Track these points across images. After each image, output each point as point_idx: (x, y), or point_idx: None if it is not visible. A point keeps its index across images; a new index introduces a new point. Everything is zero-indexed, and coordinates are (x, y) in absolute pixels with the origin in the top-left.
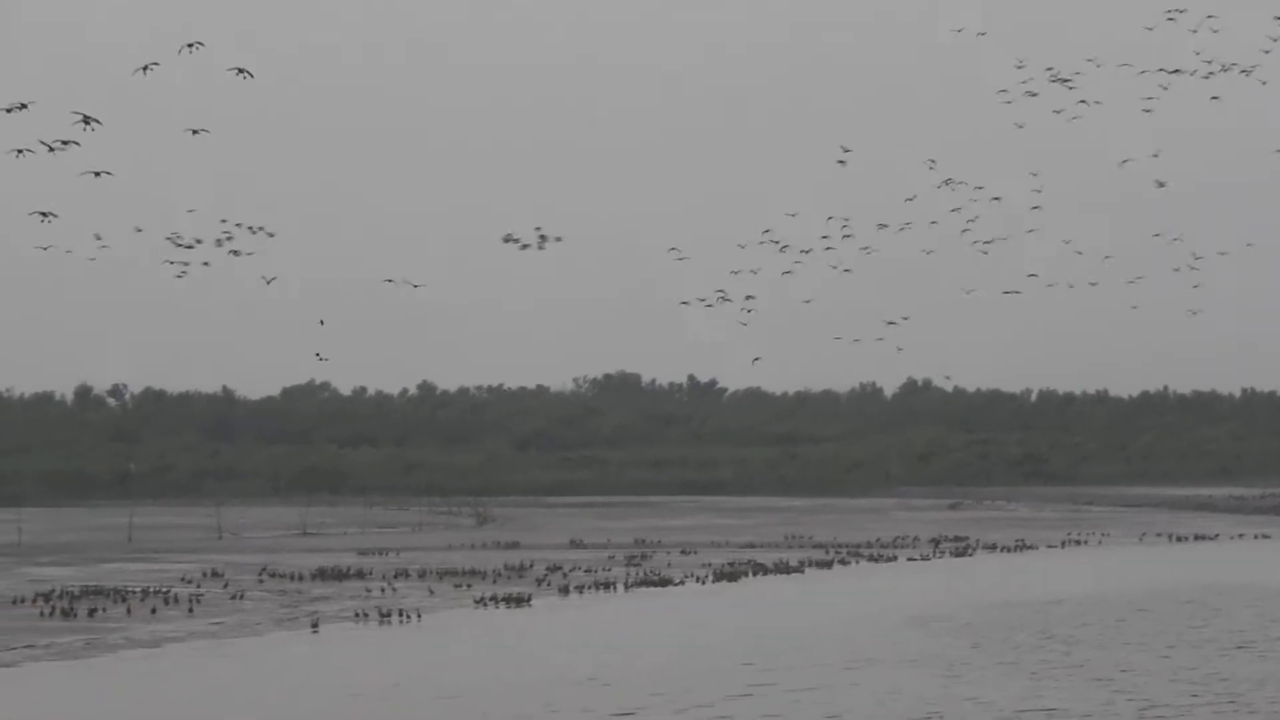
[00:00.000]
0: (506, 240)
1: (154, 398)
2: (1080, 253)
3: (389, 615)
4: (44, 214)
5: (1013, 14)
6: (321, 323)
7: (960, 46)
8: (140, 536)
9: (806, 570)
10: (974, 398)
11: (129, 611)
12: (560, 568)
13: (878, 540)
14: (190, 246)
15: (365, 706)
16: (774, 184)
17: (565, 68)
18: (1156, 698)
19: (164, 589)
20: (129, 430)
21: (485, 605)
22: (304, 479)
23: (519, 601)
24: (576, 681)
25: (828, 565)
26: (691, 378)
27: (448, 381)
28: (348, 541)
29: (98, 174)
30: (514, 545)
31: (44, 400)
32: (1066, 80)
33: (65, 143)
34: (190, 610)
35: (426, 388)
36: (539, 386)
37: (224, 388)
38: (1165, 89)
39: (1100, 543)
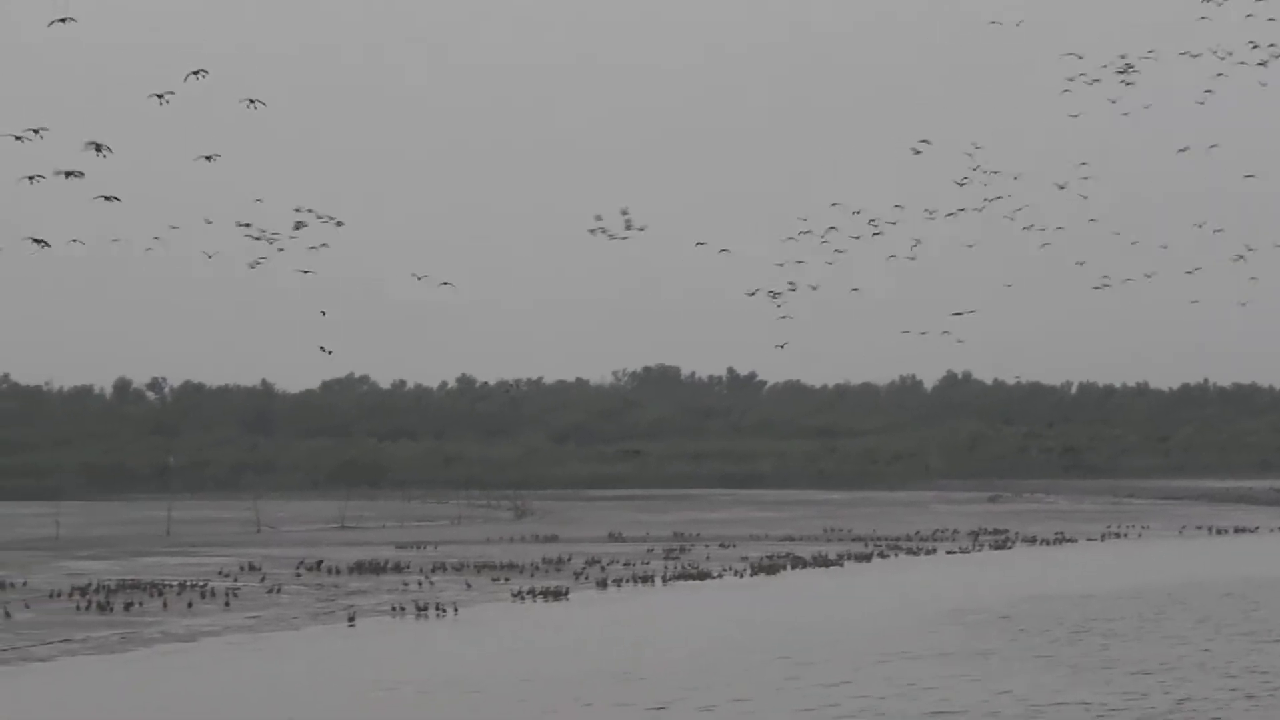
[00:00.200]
0: (593, 231)
1: (193, 391)
2: (1135, 243)
3: (426, 609)
4: (37, 240)
5: (1048, 7)
6: (323, 313)
7: (992, 36)
8: (178, 530)
9: (845, 563)
10: (1014, 390)
11: (165, 605)
12: (599, 561)
13: (917, 533)
14: (262, 238)
15: (397, 700)
16: (790, 180)
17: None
18: (1193, 691)
19: (201, 583)
20: (168, 424)
21: (522, 599)
22: (343, 472)
23: (556, 595)
24: (611, 675)
25: (867, 558)
26: (731, 370)
27: (487, 374)
28: (386, 535)
29: (108, 198)
30: (552, 538)
31: (83, 394)
32: (1126, 71)
33: (73, 173)
34: (227, 604)
35: (466, 381)
36: (578, 379)
37: (263, 381)
38: (1222, 75)
39: (1140, 535)
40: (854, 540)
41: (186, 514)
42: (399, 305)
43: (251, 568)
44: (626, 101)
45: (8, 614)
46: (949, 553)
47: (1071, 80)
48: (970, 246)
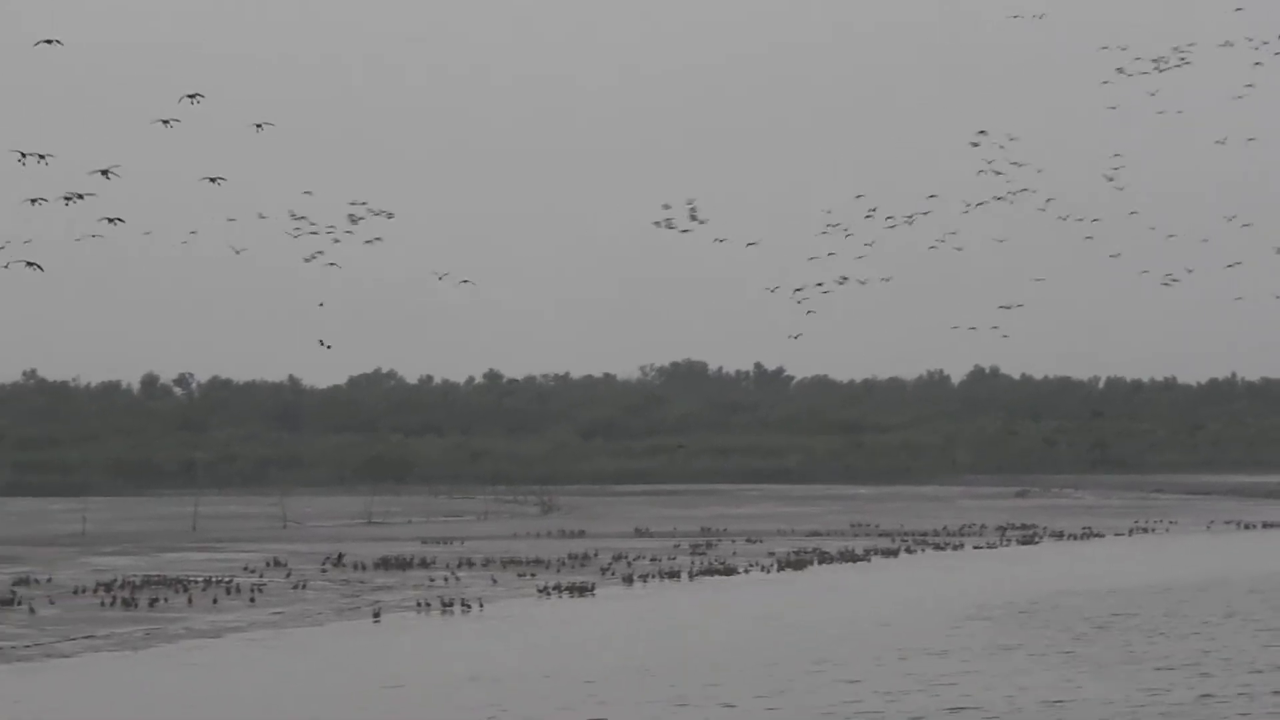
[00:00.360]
0: (659, 223)
1: (220, 387)
2: (1173, 235)
3: (451, 605)
4: (31, 263)
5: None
6: (320, 304)
7: (1016, 31)
8: (205, 526)
9: (872, 558)
10: (1041, 385)
11: (190, 601)
12: (625, 557)
13: (944, 528)
14: (319, 232)
15: (415, 698)
16: (817, 174)
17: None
18: (1217, 687)
19: (226, 579)
20: (195, 419)
21: (548, 595)
22: (370, 468)
23: (582, 591)
24: (633, 672)
25: (893, 553)
26: (758, 365)
27: (514, 370)
28: (412, 530)
29: (112, 220)
30: (579, 534)
31: (111, 389)
32: (1162, 63)
33: (79, 196)
34: (252, 600)
35: (493, 376)
36: (606, 375)
37: (290, 377)
38: (1260, 65)
39: (1168, 530)
40: (881, 535)
41: (213, 509)
42: (426, 302)
43: (277, 563)
44: (649, 100)
45: (32, 610)
46: (976, 548)
47: (1115, 73)
48: (1001, 241)
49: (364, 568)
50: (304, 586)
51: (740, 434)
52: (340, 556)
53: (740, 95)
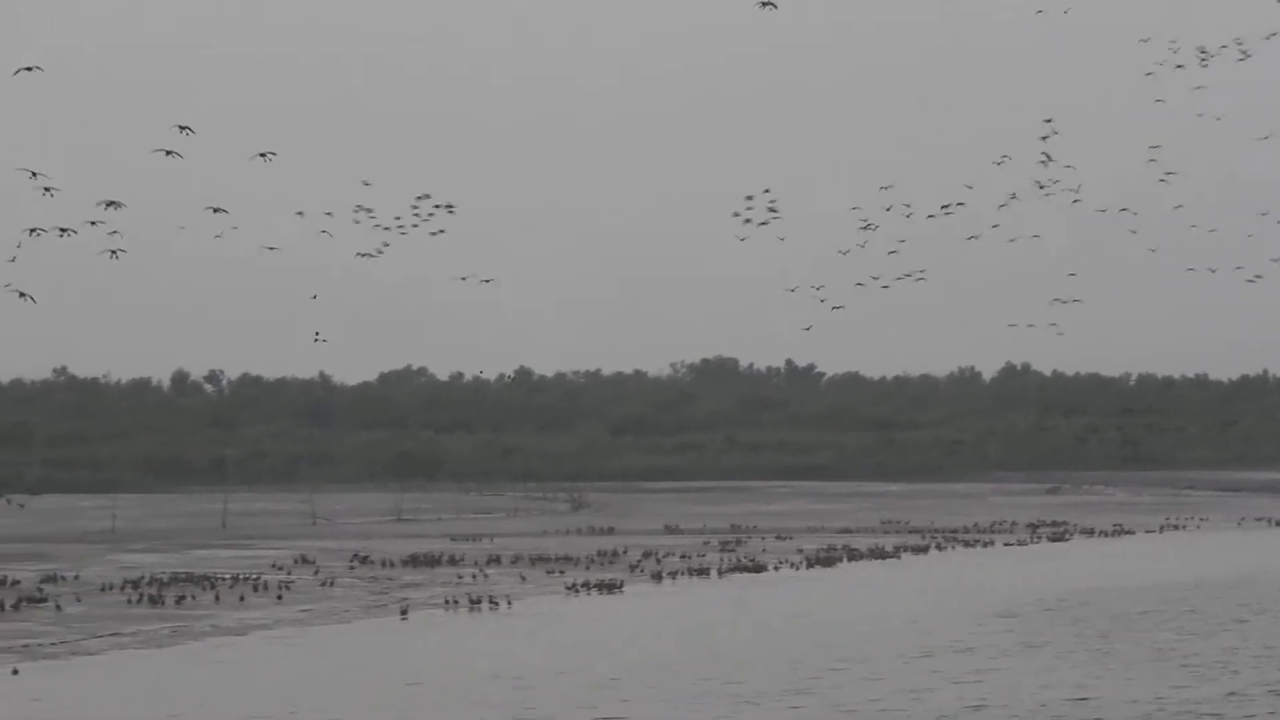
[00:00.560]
0: (737, 216)
1: (251, 383)
2: (1214, 230)
3: (479, 602)
4: (23, 294)
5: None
6: (314, 297)
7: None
8: (234, 523)
9: (902, 556)
10: (1073, 381)
11: (217, 599)
12: (654, 554)
13: (975, 525)
14: (390, 226)
15: (435, 695)
16: (817, 174)
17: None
18: (1244, 684)
19: (254, 576)
20: (225, 416)
21: (576, 592)
22: (400, 465)
23: (611, 588)
24: (657, 669)
25: (923, 550)
26: (789, 362)
27: (544, 367)
28: (442, 528)
29: (114, 253)
30: (609, 531)
31: (141, 386)
32: (1207, 55)
33: (68, 230)
34: (279, 598)
35: (523, 373)
36: (636, 372)
37: (320, 373)
38: None
39: (1199, 527)
40: (911, 532)
41: (243, 507)
42: (456, 298)
43: (305, 560)
44: (649, 100)
45: (59, 608)
46: (1006, 545)
47: (1156, 65)
48: (1036, 237)
49: (392, 565)
50: (332, 584)
51: (771, 431)
52: (365, 556)
53: (740, 95)
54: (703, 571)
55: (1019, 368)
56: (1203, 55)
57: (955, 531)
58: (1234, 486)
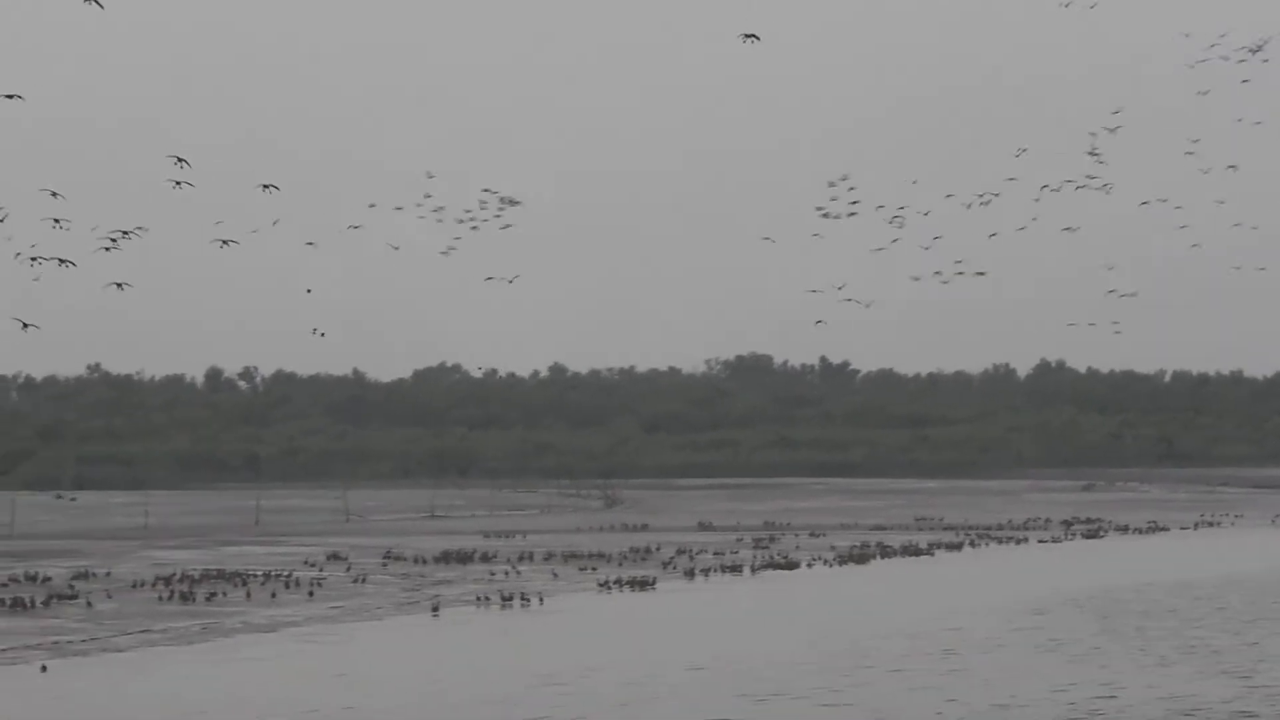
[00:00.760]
0: (821, 209)
1: (284, 380)
2: (1256, 227)
3: (510, 599)
4: (26, 324)
5: None
6: (308, 291)
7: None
8: (267, 519)
9: (935, 553)
10: (1107, 379)
11: (248, 595)
12: (687, 550)
13: (1009, 522)
14: (462, 220)
15: (463, 693)
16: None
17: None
18: (1276, 682)
19: (286, 572)
20: (259, 413)
21: (608, 589)
22: (433, 461)
23: (643, 585)
24: (689, 666)
25: (957, 548)
26: (823, 359)
27: (578, 364)
28: (475, 524)
29: (120, 285)
30: (642, 528)
31: (175, 383)
32: (1259, 49)
33: (67, 261)
34: (310, 594)
35: (557, 370)
36: (670, 368)
37: (354, 370)
38: None
39: (1234, 524)
40: (945, 529)
41: (276, 503)
42: (490, 295)
43: (338, 557)
44: (719, 83)
45: (89, 604)
46: (1040, 542)
47: (1202, 57)
48: (1073, 230)
49: (424, 562)
50: (364, 580)
51: (804, 427)
52: (397, 553)
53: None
54: (735, 568)
55: (1054, 365)
56: (1254, 49)
57: (989, 528)
58: (1269, 484)
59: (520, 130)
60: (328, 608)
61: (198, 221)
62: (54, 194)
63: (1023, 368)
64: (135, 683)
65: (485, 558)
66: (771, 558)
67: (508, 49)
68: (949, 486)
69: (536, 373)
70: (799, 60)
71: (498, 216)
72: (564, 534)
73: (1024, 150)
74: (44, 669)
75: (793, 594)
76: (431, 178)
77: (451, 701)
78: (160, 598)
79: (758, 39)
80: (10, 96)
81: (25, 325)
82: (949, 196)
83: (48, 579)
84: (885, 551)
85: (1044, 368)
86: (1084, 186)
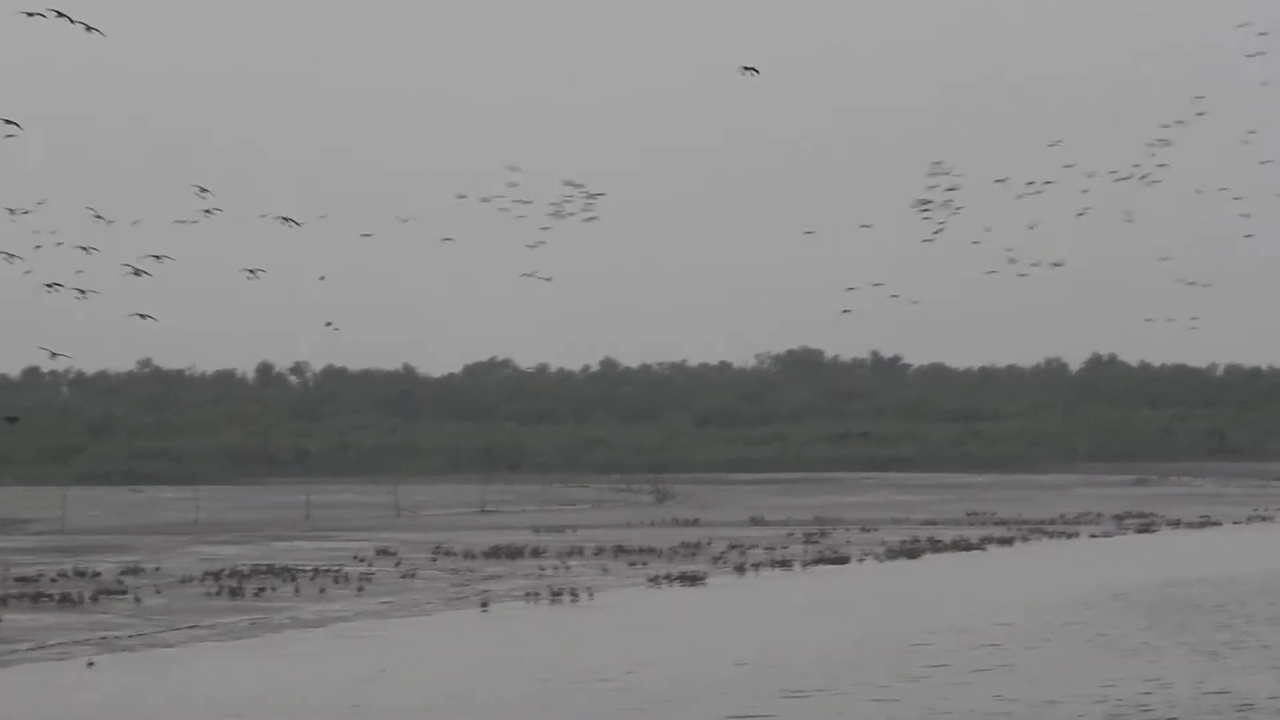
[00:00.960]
0: (916, 203)
1: (335, 375)
2: None
3: (560, 594)
4: (55, 353)
5: None
6: (321, 278)
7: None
8: (317, 514)
9: (987, 548)
10: (1160, 372)
11: (297, 591)
12: (738, 545)
13: (1060, 517)
14: (554, 210)
15: (509, 690)
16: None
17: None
18: None
19: (335, 568)
20: (309, 408)
21: (658, 584)
22: (484, 456)
23: (693, 580)
24: (738, 662)
25: (1008, 542)
26: (874, 353)
27: (629, 358)
28: (525, 519)
29: (143, 316)
30: (693, 522)
31: (225, 378)
32: None
33: (85, 291)
34: (359, 590)
35: (608, 364)
36: (721, 363)
37: (405, 365)
38: None
39: None
40: (996, 524)
41: (326, 498)
42: (537, 289)
43: (387, 552)
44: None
45: (138, 599)
46: (1092, 536)
47: (1260, 48)
48: (1130, 222)
49: (474, 557)
50: (413, 575)
51: (856, 422)
52: (447, 548)
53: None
54: (786, 563)
55: (1105, 359)
56: None
57: (1041, 523)
58: None
59: (520, 130)
60: (377, 603)
61: (245, 217)
62: (97, 215)
63: (1075, 362)
64: (180, 678)
65: (535, 553)
66: (822, 553)
67: (508, 49)
68: (1000, 481)
69: (587, 367)
70: (799, 60)
71: (586, 209)
72: (614, 529)
73: (1060, 142)
74: (90, 664)
75: (843, 589)
76: (515, 170)
77: (496, 697)
78: (209, 593)
79: (757, 72)
80: (9, 122)
81: (54, 354)
82: (999, 181)
83: (97, 574)
84: (936, 546)
85: (1095, 361)
86: (1128, 178)
